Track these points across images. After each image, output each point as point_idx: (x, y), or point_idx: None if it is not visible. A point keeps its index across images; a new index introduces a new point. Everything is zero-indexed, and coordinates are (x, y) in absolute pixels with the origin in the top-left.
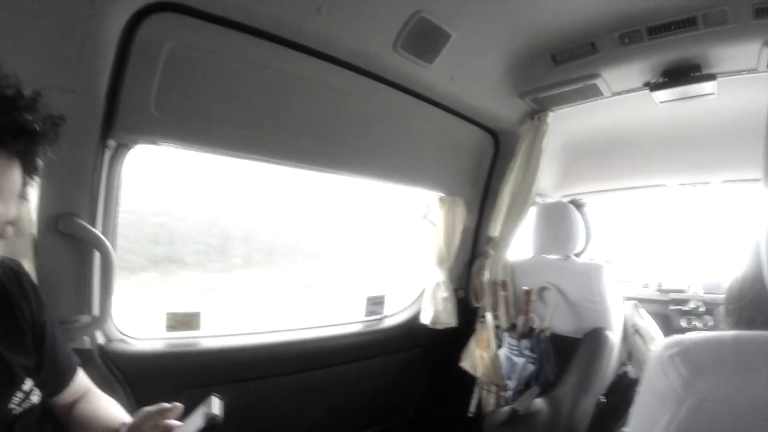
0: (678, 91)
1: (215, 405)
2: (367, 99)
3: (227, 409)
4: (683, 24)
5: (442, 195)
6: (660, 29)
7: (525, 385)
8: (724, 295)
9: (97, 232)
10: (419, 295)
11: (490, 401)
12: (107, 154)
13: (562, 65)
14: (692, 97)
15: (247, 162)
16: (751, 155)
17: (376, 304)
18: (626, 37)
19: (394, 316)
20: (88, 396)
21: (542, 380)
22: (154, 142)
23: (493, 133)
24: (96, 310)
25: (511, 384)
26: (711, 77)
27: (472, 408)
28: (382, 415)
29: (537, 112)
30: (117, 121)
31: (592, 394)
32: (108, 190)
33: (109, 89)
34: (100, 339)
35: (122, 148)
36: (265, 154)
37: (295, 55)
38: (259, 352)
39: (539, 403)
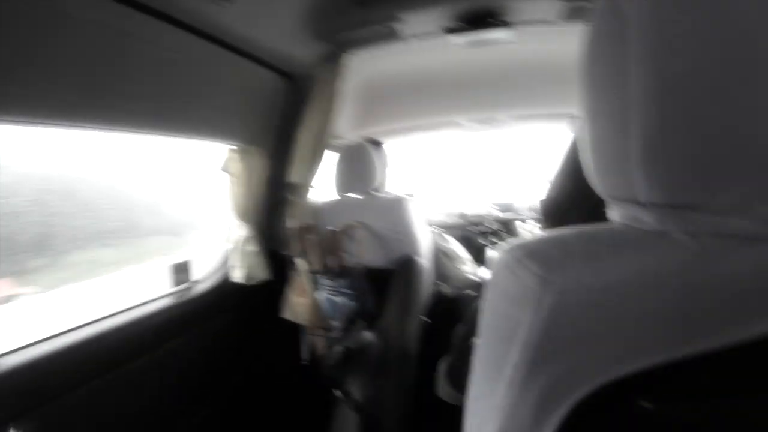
0: (474, 36)
1: None
2: (153, 41)
3: None
4: None
5: (239, 145)
6: None
7: (350, 322)
8: (517, 216)
9: None
10: (227, 253)
11: (321, 345)
12: None
13: (363, 7)
14: (487, 42)
15: None
16: (539, 95)
17: (181, 271)
18: None
19: (204, 281)
20: None
21: (365, 314)
22: None
23: (290, 77)
24: None
25: (337, 324)
26: (507, 24)
27: (305, 355)
28: (218, 385)
29: (335, 54)
30: None
31: (414, 317)
32: None
33: None
34: None
35: None
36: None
37: None
38: (61, 359)
39: (368, 336)
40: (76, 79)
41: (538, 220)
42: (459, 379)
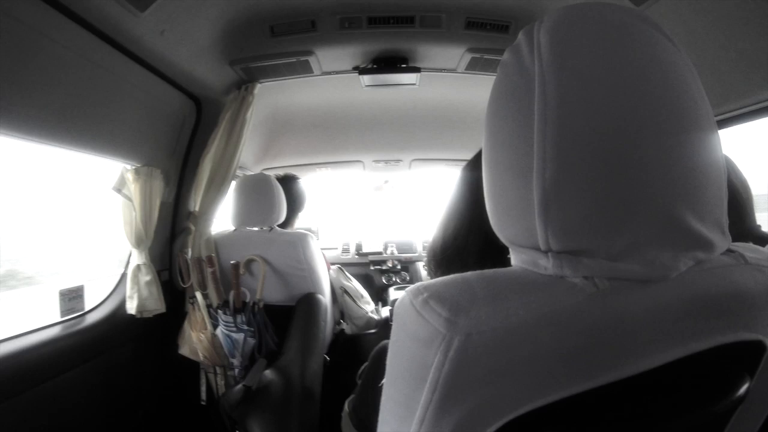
0: (384, 77)
1: None
2: (58, 40)
3: None
4: (402, 20)
5: (138, 165)
6: (380, 21)
7: (250, 360)
8: (415, 254)
9: None
10: (119, 281)
11: (220, 383)
12: None
13: (279, 38)
14: (396, 84)
15: None
16: (440, 140)
17: (73, 298)
18: (347, 22)
19: (96, 310)
20: None
21: (265, 351)
22: None
23: (197, 101)
24: None
25: (236, 362)
26: (415, 70)
27: (203, 395)
28: (115, 424)
29: (245, 82)
30: None
31: (316, 355)
32: None
33: None
34: None
35: None
36: None
37: None
38: None
39: (269, 374)
40: None
41: (425, 263)
42: (363, 418)
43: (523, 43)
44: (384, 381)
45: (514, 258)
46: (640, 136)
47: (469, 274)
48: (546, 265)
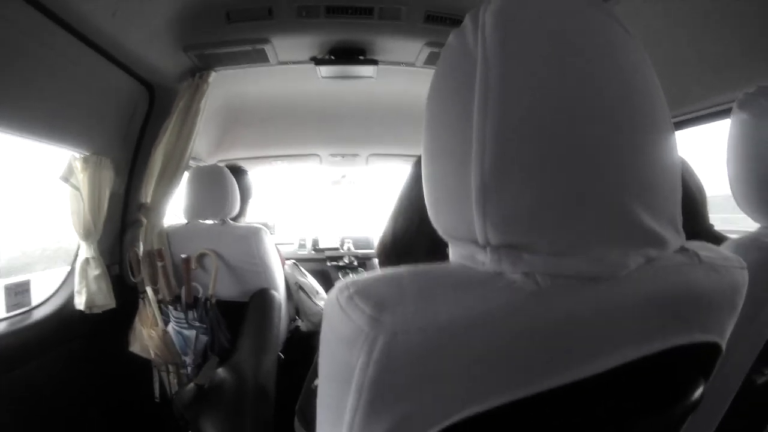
0: (341, 69)
1: None
2: (2, 18)
3: None
4: (361, 11)
5: (87, 153)
6: (338, 10)
7: (203, 358)
8: (372, 250)
9: None
10: (67, 275)
11: (172, 381)
12: None
13: (234, 24)
14: (353, 77)
15: None
16: (398, 135)
17: (19, 293)
18: (304, 10)
19: (44, 305)
20: None
21: (218, 349)
22: None
23: (150, 87)
24: None
25: (189, 359)
26: (373, 62)
27: (156, 393)
28: (66, 423)
29: (199, 70)
30: None
31: (270, 352)
32: None
33: None
34: None
35: None
36: None
37: None
38: None
39: (222, 372)
40: None
41: (376, 256)
42: (309, 419)
43: (468, 25)
44: (316, 382)
45: (452, 252)
46: (590, 127)
47: (401, 268)
48: (483, 260)
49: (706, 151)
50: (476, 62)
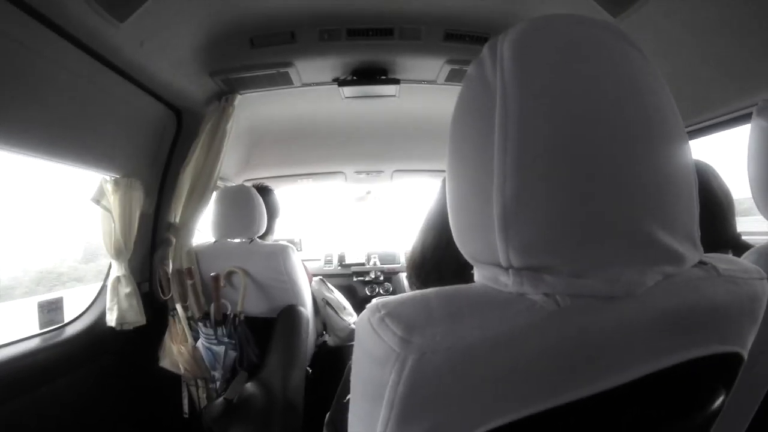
0: (364, 89)
1: None
2: (36, 49)
3: None
4: (381, 32)
5: (117, 176)
6: (359, 32)
7: (231, 373)
8: (398, 265)
9: None
10: (99, 293)
11: (201, 396)
12: None
13: (258, 49)
14: (376, 96)
15: None
16: (421, 151)
17: (52, 310)
18: (326, 34)
19: (75, 322)
20: None
21: (247, 364)
22: None
23: (177, 112)
24: None
25: (218, 375)
26: (395, 81)
27: (185, 408)
28: None
29: (225, 93)
30: None
31: (298, 368)
32: None
33: None
34: None
35: None
36: None
37: None
38: None
39: (250, 387)
40: None
41: (406, 274)
42: (340, 430)
43: (486, 56)
44: (349, 396)
45: (477, 274)
46: (606, 151)
47: (429, 290)
48: (506, 281)
49: (733, 156)
50: (495, 93)
